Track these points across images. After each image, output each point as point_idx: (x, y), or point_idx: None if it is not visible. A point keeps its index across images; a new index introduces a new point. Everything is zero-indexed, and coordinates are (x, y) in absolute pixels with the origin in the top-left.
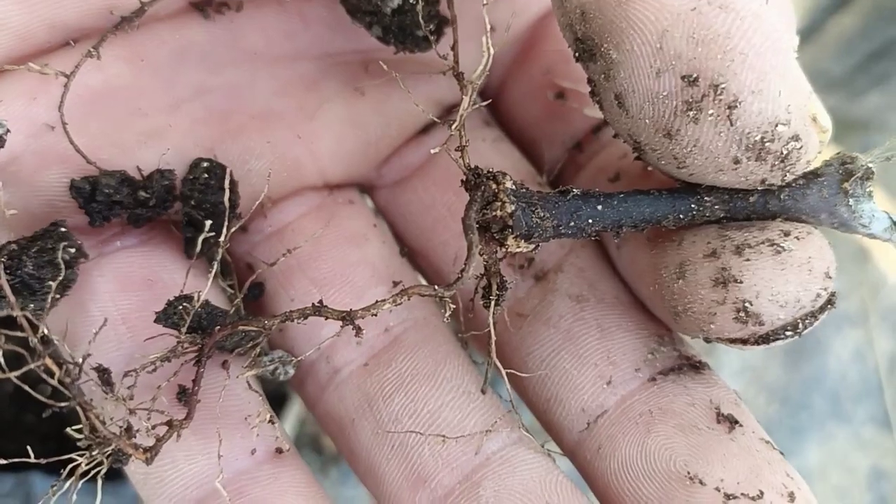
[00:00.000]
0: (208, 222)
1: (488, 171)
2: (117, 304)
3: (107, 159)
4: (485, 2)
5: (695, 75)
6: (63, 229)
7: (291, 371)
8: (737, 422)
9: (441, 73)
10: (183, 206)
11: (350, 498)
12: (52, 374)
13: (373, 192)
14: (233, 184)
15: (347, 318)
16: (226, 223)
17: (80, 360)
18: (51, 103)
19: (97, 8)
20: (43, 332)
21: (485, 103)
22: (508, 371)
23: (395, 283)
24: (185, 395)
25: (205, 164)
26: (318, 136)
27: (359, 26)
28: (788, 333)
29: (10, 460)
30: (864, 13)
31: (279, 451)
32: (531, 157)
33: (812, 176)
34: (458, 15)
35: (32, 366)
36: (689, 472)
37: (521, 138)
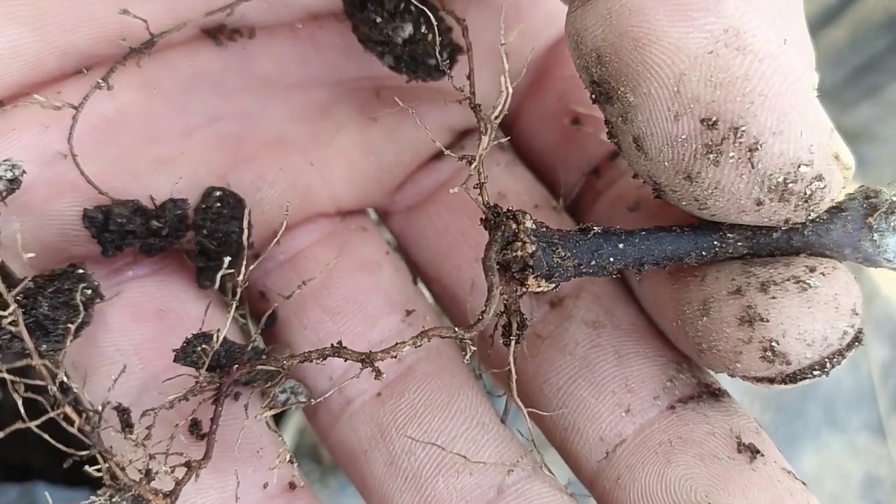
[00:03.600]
0: (226, 259)
1: (508, 210)
2: (129, 336)
3: (120, 187)
4: (502, 42)
5: (714, 118)
6: (81, 271)
7: (304, 402)
8: (758, 451)
9: (457, 102)
10: (195, 235)
11: None
12: (71, 423)
13: (386, 217)
14: (247, 213)
15: (367, 360)
16: (244, 261)
17: (100, 407)
18: (63, 132)
19: (110, 35)
20: (62, 378)
21: (504, 139)
22: (529, 409)
23: (409, 312)
24: (198, 428)
25: (217, 193)
26: (331, 162)
27: (371, 55)
28: (816, 373)
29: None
30: (853, 26)
31: (292, 486)
32: (546, 181)
33: (836, 210)
34: (471, 47)
35: (52, 414)
36: (710, 503)
37: (537, 163)
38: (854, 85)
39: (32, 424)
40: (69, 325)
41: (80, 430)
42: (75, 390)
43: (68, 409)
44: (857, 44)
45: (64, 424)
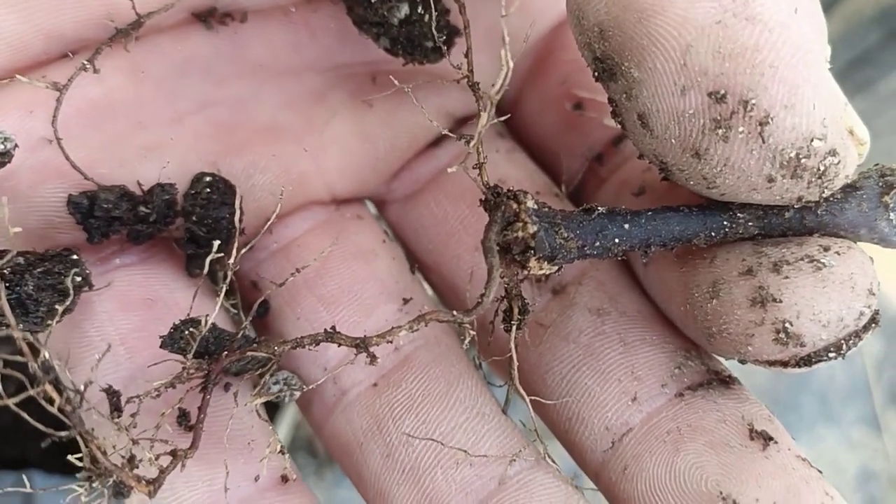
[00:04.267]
0: (216, 242)
1: (509, 190)
2: (116, 325)
3: (106, 174)
4: (503, 13)
5: (722, 91)
6: (75, 256)
7: (297, 393)
8: (771, 438)
9: (455, 81)
10: (184, 221)
11: (344, 499)
12: (52, 402)
13: (383, 206)
14: (238, 199)
15: (361, 345)
16: (235, 247)
17: (82, 388)
18: (48, 116)
19: (96, 18)
20: (44, 356)
21: (503, 118)
22: (532, 398)
23: (406, 300)
24: (186, 419)
25: (207, 179)
26: (326, 149)
27: (366, 38)
28: (831, 355)
29: None
30: (845, 20)
31: (284, 479)
32: (547, 168)
33: (850, 189)
34: (469, 24)
35: (32, 392)
36: (721, 493)
37: (539, 150)
38: (846, 79)
39: (11, 402)
40: (53, 308)
41: (60, 409)
42: (56, 368)
43: (48, 388)
44: (850, 38)
45: (44, 403)
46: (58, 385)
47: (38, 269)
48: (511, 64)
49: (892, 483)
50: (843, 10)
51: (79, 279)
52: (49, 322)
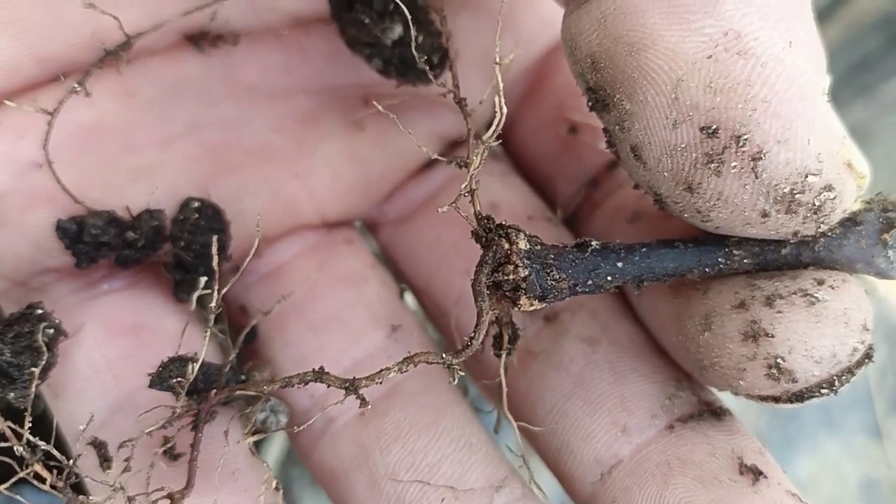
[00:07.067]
0: (202, 279)
1: (500, 226)
2: (103, 351)
3: (97, 198)
4: (497, 60)
5: (714, 126)
6: (40, 311)
7: (284, 420)
8: (761, 473)
9: (441, 96)
10: (172, 247)
11: None
12: (43, 481)
13: (375, 229)
14: (225, 225)
15: (350, 386)
16: (223, 274)
17: (71, 462)
18: (39, 141)
19: (87, 41)
20: (27, 438)
21: (495, 143)
22: (520, 424)
23: (395, 327)
24: (172, 449)
25: (195, 204)
26: (317, 172)
27: (359, 59)
28: (824, 391)
29: None
30: (844, 27)
31: None
32: (542, 191)
33: (850, 224)
34: (462, 44)
35: (22, 475)
36: None
37: (533, 173)
38: (847, 85)
39: (2, 487)
40: (34, 370)
41: (52, 486)
42: (44, 448)
43: (38, 468)
44: (850, 43)
45: (35, 483)
46: (48, 462)
47: (10, 335)
48: (505, 109)
49: (894, 491)
50: (844, 16)
51: (51, 331)
52: (39, 381)
